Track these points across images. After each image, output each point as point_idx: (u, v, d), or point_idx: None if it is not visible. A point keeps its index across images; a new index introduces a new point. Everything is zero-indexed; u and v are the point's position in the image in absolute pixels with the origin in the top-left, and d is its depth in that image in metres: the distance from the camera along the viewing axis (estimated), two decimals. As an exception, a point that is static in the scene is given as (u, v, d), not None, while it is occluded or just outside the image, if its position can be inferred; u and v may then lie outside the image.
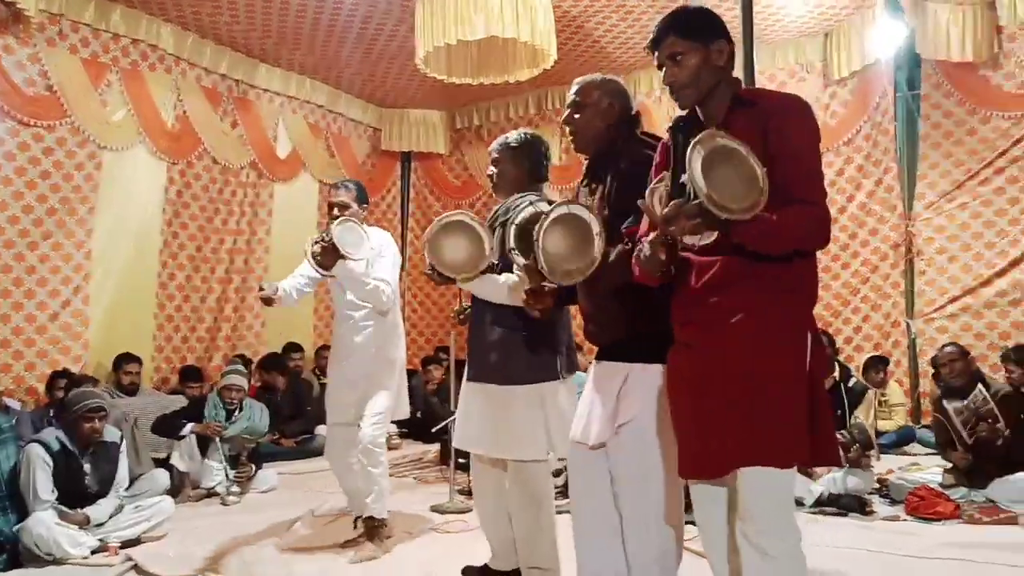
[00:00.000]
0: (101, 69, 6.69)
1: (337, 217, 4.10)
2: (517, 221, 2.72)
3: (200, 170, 7.61)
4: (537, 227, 2.39)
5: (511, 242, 2.74)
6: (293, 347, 8.15)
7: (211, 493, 5.60)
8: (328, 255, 3.95)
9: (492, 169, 3.33)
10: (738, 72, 2.30)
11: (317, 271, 4.07)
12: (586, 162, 2.70)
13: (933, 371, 6.77)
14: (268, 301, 4.18)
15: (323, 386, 8.16)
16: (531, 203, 2.92)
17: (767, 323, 2.09)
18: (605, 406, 2.45)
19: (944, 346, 5.47)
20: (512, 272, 3.04)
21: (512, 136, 3.30)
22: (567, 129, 2.67)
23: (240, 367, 6.34)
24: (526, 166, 3.27)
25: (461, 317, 3.64)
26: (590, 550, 2.53)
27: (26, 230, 6.20)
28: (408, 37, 6.81)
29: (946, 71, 7.32)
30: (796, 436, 2.08)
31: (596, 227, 2.33)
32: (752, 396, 2.07)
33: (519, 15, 5.78)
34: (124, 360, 6.52)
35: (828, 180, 7.62)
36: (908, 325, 7.50)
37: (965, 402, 4.84)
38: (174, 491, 5.29)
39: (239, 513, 5.20)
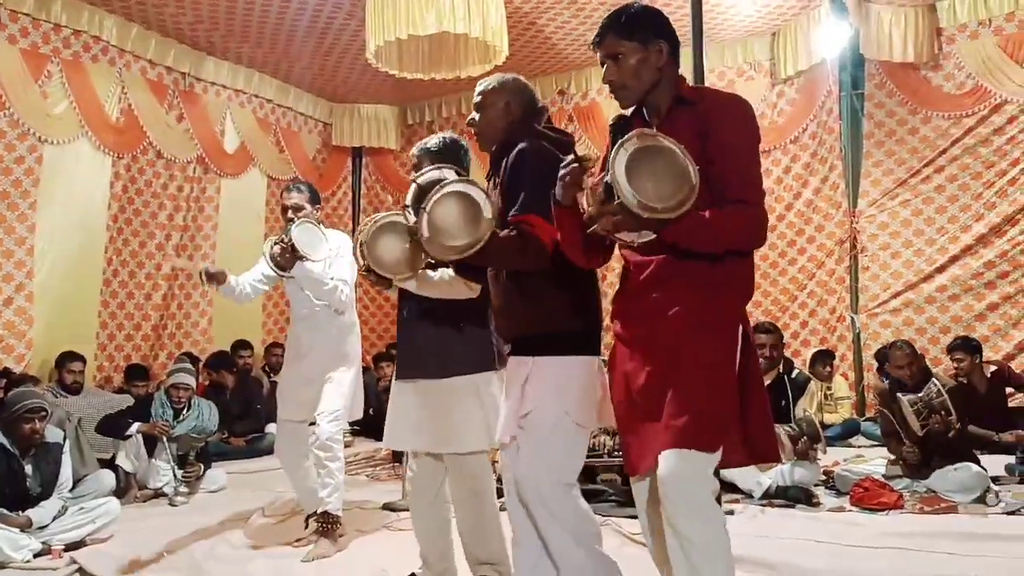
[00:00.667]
0: (41, 60, 6.50)
1: (292, 219, 4.09)
2: (419, 180, 2.71)
3: (145, 164, 7.45)
4: (431, 193, 2.37)
5: (407, 199, 2.71)
6: (242, 344, 8.02)
7: (159, 494, 5.50)
8: (287, 256, 3.96)
9: (414, 174, 3.33)
10: (687, 70, 2.32)
11: (275, 272, 4.08)
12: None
13: (878, 365, 6.94)
14: (213, 278, 4.13)
15: (273, 384, 8.05)
16: (439, 168, 2.92)
17: (697, 316, 2.11)
18: (512, 401, 2.45)
19: (894, 344, 5.46)
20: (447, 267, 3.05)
21: (432, 141, 3.32)
22: (473, 132, 2.72)
23: (188, 365, 6.23)
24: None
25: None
26: (520, 551, 2.50)
27: (-37, 226, 6.03)
28: (359, 30, 6.75)
29: (889, 71, 7.50)
30: (718, 421, 2.09)
31: (488, 211, 2.31)
32: (676, 382, 2.09)
33: (471, 11, 5.77)
34: (67, 358, 6.35)
35: (775, 177, 7.88)
36: (853, 320, 7.67)
37: (920, 394, 4.93)
38: (120, 492, 5.18)
39: (188, 513, 5.11)
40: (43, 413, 4.31)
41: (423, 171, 2.90)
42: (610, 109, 8.57)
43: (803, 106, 7.89)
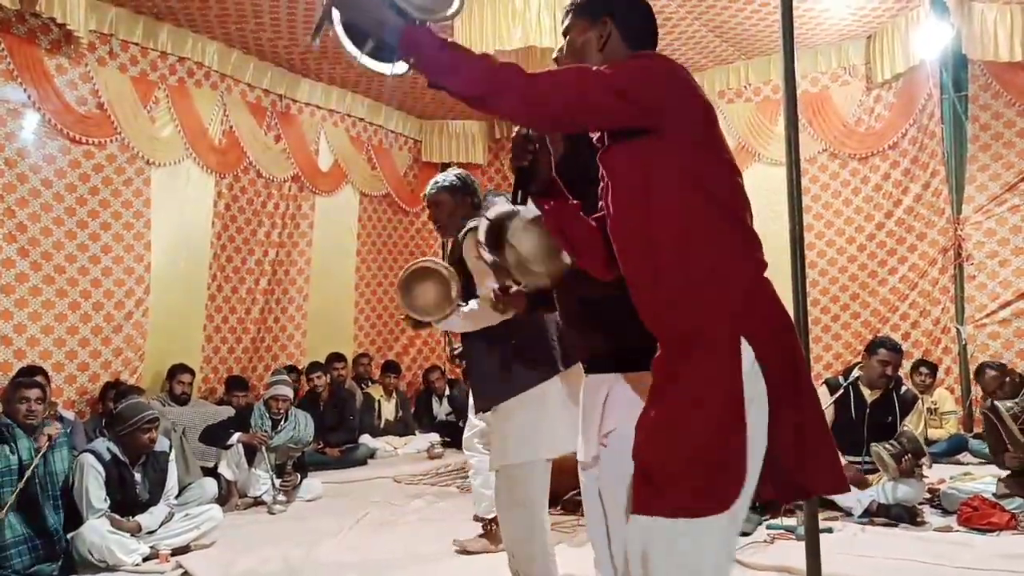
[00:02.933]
0: (149, 86, 6.84)
1: None
2: (490, 216, 2.67)
3: (246, 183, 7.74)
4: (512, 222, 2.31)
5: (480, 235, 2.67)
6: (335, 357, 8.23)
7: (258, 502, 5.68)
8: None
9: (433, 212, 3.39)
10: (779, 76, 2.26)
11: None
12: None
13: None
14: None
15: (366, 395, 8.25)
16: (506, 199, 2.90)
17: (673, 345, 1.82)
18: (592, 421, 2.36)
19: (984, 367, 5.31)
20: (476, 297, 3.11)
21: (448, 176, 3.37)
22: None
23: (285, 377, 6.43)
24: (468, 201, 3.33)
25: (454, 356, 3.72)
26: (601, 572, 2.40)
27: (84, 245, 6.37)
28: (447, 49, 6.87)
29: (994, 72, 7.19)
30: (686, 479, 1.71)
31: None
32: (645, 427, 1.82)
33: (557, 24, 5.80)
34: (178, 370, 6.65)
35: (874, 184, 7.68)
36: (958, 331, 7.35)
37: (1016, 399, 4.72)
38: (222, 500, 5.36)
39: (285, 521, 5.26)
40: (158, 423, 4.55)
41: (493, 205, 2.90)
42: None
43: (902, 110, 7.62)
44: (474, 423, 4.38)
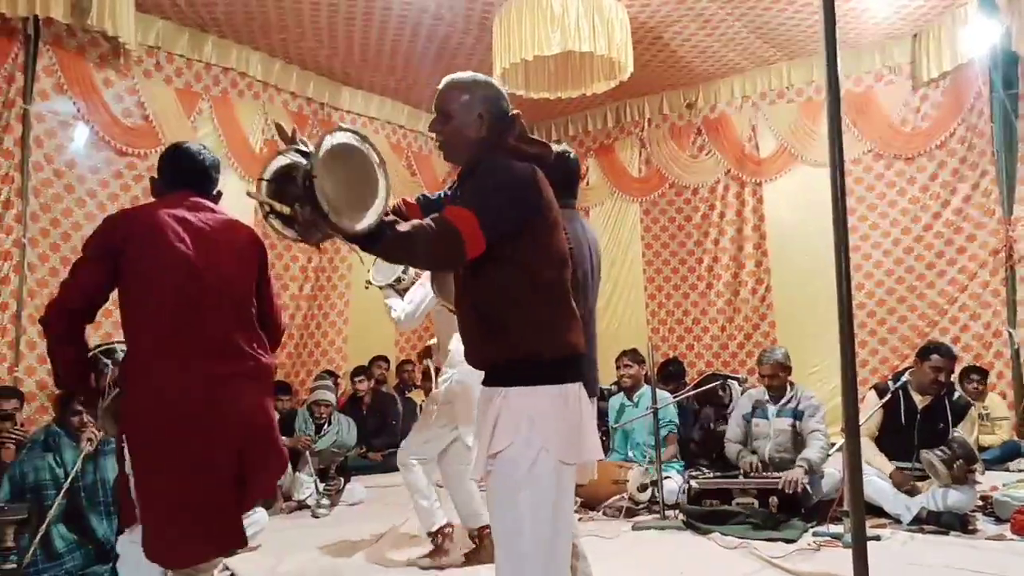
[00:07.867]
0: (193, 98, 6.96)
1: None
2: (266, 176, 2.18)
3: (288, 191, 7.83)
4: (310, 161, 1.90)
5: (264, 194, 2.16)
6: (379, 358, 8.28)
7: (302, 505, 5.73)
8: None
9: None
10: (822, 76, 2.22)
11: None
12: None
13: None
14: None
15: (406, 401, 8.28)
16: (281, 153, 2.25)
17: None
18: (483, 437, 2.17)
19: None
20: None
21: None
22: (435, 138, 2.34)
23: (328, 383, 6.48)
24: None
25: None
26: None
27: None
28: (486, 55, 6.89)
29: (1046, 69, 7.01)
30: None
31: (375, 157, 1.98)
32: None
33: (596, 29, 5.79)
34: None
35: (920, 185, 7.52)
36: (1010, 335, 7.17)
37: None
38: (267, 503, 5.42)
39: (329, 525, 5.30)
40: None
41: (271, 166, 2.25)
42: (739, 120, 8.40)
43: (949, 110, 7.47)
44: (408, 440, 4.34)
